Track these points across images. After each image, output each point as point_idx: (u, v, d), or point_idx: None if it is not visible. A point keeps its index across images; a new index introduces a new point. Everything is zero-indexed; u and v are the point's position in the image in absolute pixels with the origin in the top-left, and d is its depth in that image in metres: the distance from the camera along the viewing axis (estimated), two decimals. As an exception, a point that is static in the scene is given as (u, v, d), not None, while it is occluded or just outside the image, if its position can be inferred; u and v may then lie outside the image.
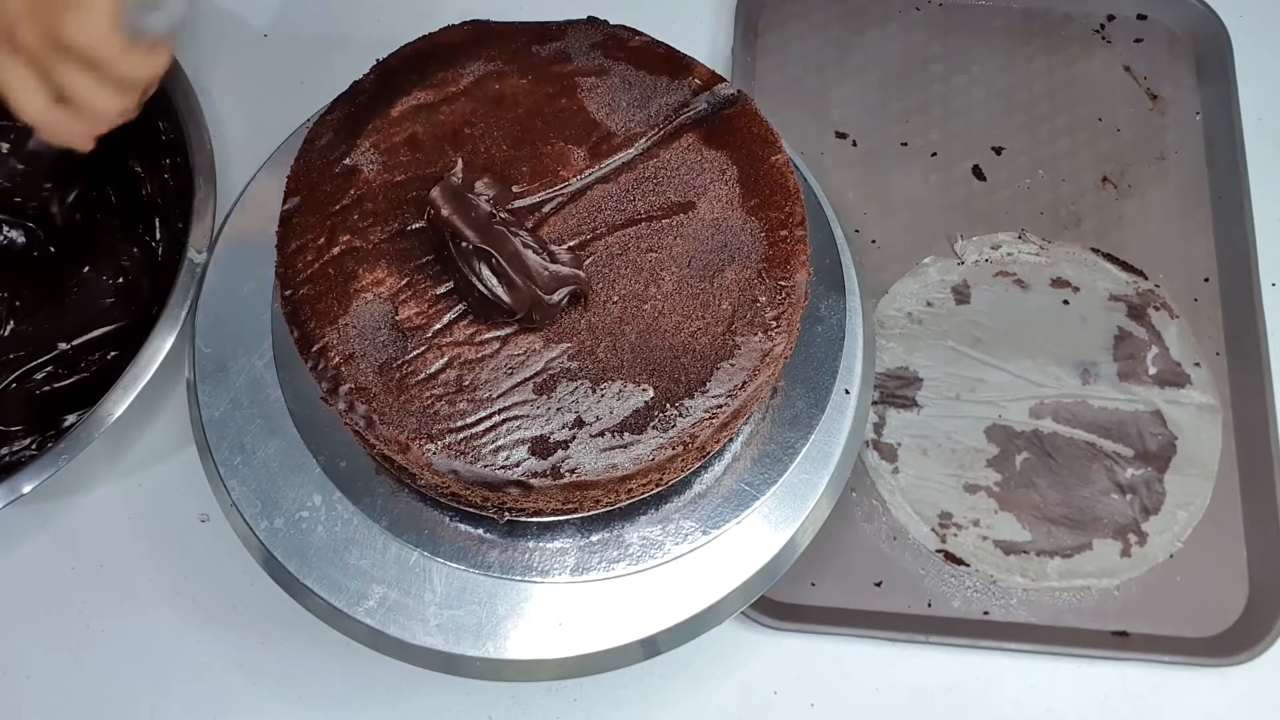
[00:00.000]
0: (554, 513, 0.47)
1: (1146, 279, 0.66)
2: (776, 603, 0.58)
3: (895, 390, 0.63)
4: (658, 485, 0.47)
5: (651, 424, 0.43)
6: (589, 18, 0.52)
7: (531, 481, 0.42)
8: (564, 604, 0.48)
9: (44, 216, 0.61)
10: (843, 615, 0.58)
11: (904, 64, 0.72)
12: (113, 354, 0.61)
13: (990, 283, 0.66)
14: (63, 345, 0.60)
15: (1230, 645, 0.57)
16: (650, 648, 0.48)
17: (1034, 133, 0.70)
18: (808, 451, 0.50)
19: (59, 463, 0.53)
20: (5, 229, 0.61)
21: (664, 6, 0.70)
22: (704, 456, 0.48)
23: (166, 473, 0.61)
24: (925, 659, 0.57)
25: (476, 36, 0.51)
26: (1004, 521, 0.60)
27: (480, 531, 0.49)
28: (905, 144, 0.70)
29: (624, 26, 0.52)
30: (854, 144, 0.70)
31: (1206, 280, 0.66)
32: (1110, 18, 0.74)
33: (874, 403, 0.62)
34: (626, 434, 0.43)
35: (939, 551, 0.60)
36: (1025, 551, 0.59)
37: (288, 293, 0.45)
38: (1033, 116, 0.70)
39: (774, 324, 0.45)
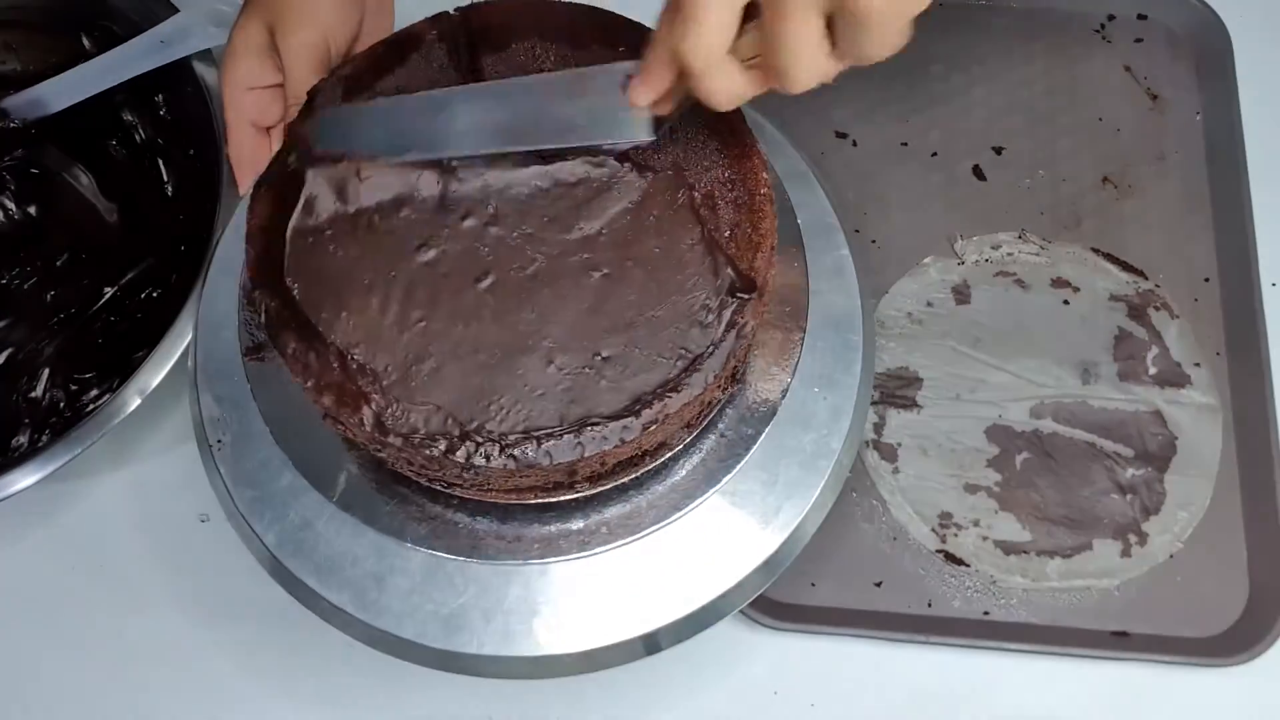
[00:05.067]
0: (591, 479, 0.46)
1: (1147, 279, 0.66)
2: (776, 602, 0.58)
3: (895, 390, 0.63)
4: (683, 429, 0.46)
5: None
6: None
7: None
8: (565, 600, 0.48)
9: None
10: (843, 615, 0.58)
11: (904, 64, 0.72)
12: (157, 292, 0.63)
13: (990, 283, 0.66)
14: (109, 290, 0.63)
15: (1230, 645, 0.57)
16: (651, 644, 0.48)
17: (1034, 133, 0.70)
18: (809, 450, 0.50)
19: (69, 453, 0.54)
20: (21, 204, 0.65)
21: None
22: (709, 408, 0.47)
23: (166, 472, 0.61)
24: (925, 659, 0.57)
25: (393, 46, 0.49)
26: (1004, 521, 0.60)
27: (483, 522, 0.48)
28: (905, 144, 0.70)
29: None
30: (854, 144, 0.70)
31: (1207, 280, 0.66)
32: (1110, 18, 0.74)
33: (874, 403, 0.62)
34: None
35: (939, 551, 0.60)
36: (1025, 551, 0.59)
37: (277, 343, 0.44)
38: (1033, 116, 0.70)
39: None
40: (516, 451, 0.41)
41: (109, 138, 0.66)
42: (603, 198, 0.44)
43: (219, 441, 0.51)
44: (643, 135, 0.43)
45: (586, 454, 0.42)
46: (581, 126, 0.43)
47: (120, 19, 0.64)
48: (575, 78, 0.44)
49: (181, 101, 0.64)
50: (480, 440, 0.41)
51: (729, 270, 0.43)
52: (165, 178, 0.66)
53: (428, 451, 0.41)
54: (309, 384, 0.42)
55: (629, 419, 0.42)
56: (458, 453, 0.41)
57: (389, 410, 0.42)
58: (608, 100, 0.43)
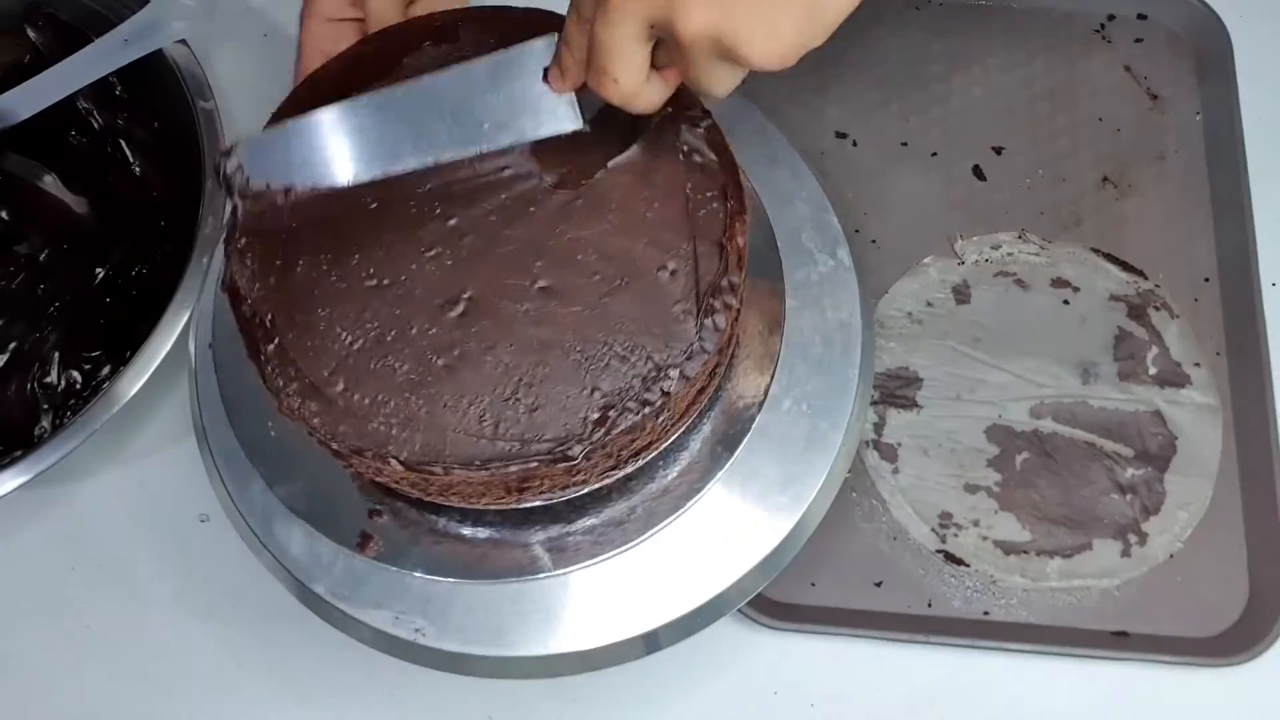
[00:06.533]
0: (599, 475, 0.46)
1: (1146, 279, 0.66)
2: (776, 602, 0.58)
3: (895, 390, 0.63)
4: (689, 406, 0.46)
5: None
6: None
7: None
8: (567, 600, 0.48)
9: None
10: (843, 615, 0.58)
11: (904, 64, 0.72)
12: (146, 269, 0.64)
13: (990, 283, 0.66)
14: (100, 271, 0.64)
15: (1230, 645, 0.57)
16: (651, 643, 0.48)
17: (1034, 133, 0.70)
18: (808, 448, 0.50)
19: (64, 449, 0.54)
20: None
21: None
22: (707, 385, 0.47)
23: (167, 471, 0.61)
24: (925, 659, 0.57)
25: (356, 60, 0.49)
26: (1004, 521, 0.60)
27: (484, 530, 0.48)
28: (905, 144, 0.70)
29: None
30: (854, 144, 0.70)
31: (1207, 280, 0.66)
32: (1110, 18, 0.74)
33: (874, 403, 0.62)
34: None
35: (939, 551, 0.60)
36: (1025, 551, 0.59)
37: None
38: (1033, 116, 0.70)
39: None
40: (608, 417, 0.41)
41: (67, 129, 0.66)
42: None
43: (219, 450, 0.51)
44: (569, 124, 0.42)
45: (671, 390, 0.42)
46: (504, 122, 0.42)
47: (63, 5, 0.63)
48: (494, 66, 0.42)
49: (138, 76, 0.63)
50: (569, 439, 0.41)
51: (698, 159, 0.44)
52: (131, 158, 0.66)
53: (530, 465, 0.41)
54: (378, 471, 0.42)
55: (701, 333, 0.42)
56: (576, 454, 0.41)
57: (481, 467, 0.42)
58: (529, 89, 0.41)
